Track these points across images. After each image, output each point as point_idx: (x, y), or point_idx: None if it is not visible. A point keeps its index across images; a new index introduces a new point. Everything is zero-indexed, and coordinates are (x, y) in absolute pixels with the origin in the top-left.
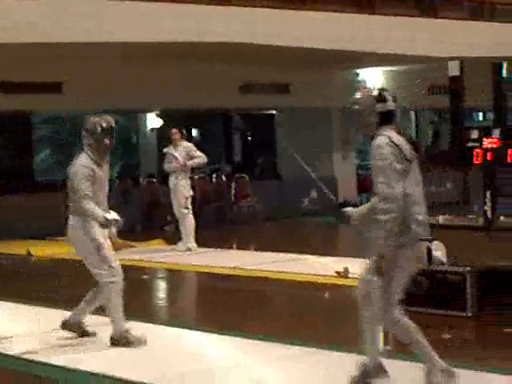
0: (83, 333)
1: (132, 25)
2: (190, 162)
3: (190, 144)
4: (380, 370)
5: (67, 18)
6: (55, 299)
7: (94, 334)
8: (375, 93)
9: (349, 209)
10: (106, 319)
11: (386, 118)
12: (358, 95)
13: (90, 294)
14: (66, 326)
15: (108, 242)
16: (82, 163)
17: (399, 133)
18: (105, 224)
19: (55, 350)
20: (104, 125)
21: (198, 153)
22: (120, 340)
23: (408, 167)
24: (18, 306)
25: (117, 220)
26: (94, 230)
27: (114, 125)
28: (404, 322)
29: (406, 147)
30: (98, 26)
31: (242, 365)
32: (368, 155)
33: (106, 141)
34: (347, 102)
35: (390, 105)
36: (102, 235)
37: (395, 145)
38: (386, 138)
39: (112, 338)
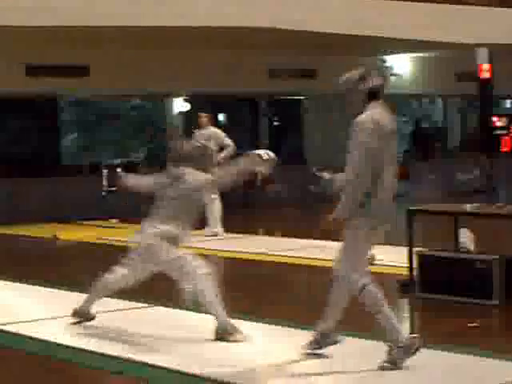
0: None
1: (161, 9)
2: (219, 158)
3: (218, 131)
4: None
5: (95, 0)
6: (80, 282)
7: None
8: (358, 72)
9: (324, 173)
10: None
11: (371, 96)
12: (345, 75)
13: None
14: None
15: None
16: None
17: (385, 109)
18: None
19: (80, 334)
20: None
21: (227, 140)
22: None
23: (385, 144)
24: (44, 289)
25: None
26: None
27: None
28: (372, 287)
29: (386, 122)
30: (127, 10)
31: (268, 351)
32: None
33: None
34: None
35: (373, 83)
36: None
37: (377, 122)
38: (368, 116)
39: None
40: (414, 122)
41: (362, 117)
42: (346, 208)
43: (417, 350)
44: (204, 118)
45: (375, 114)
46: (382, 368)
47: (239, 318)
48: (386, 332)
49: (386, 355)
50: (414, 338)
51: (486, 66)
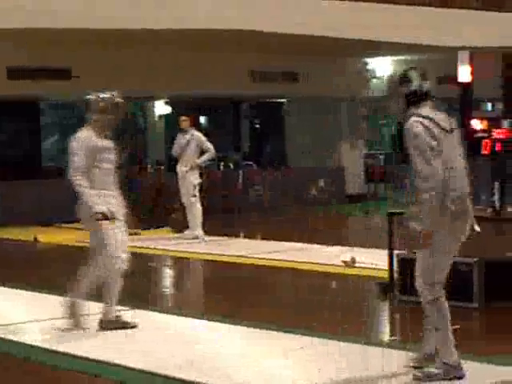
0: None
1: (142, 12)
2: (198, 161)
3: (199, 134)
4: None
5: (77, 3)
6: (60, 285)
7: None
8: (399, 75)
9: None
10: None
11: (415, 98)
12: (386, 80)
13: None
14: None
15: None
16: (82, 135)
17: (434, 107)
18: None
19: (61, 337)
20: (109, 101)
21: (207, 144)
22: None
23: (445, 140)
24: (25, 292)
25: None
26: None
27: (120, 101)
28: (440, 304)
29: (442, 119)
30: (108, 13)
31: (248, 354)
32: (374, 144)
33: (110, 116)
34: (356, 91)
35: (416, 85)
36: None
37: (429, 119)
38: (417, 116)
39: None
40: (396, 125)
41: (411, 120)
42: (428, 220)
43: (455, 377)
44: (184, 120)
45: (424, 111)
46: (414, 376)
47: (218, 321)
48: (439, 351)
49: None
50: (460, 365)
51: (466, 69)
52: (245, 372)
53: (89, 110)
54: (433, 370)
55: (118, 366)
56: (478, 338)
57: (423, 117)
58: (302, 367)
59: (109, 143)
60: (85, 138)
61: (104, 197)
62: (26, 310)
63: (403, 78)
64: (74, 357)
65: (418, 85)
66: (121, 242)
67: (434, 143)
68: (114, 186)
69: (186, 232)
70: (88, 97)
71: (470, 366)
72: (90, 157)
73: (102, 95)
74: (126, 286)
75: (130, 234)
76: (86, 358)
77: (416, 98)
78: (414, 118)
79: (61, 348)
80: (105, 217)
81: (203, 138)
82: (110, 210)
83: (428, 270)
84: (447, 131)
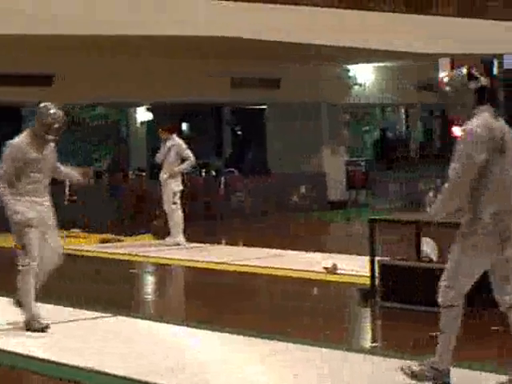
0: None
1: (123, 18)
2: (176, 169)
3: (180, 142)
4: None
5: (57, 8)
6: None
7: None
8: (465, 71)
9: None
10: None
11: (482, 96)
12: (446, 77)
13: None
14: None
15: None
16: (18, 141)
17: (495, 116)
18: None
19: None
20: (55, 126)
21: (188, 153)
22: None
23: (496, 156)
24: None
25: None
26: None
27: (62, 114)
28: (456, 313)
29: (500, 133)
30: (89, 19)
31: (229, 360)
32: (356, 150)
33: (49, 137)
34: (337, 97)
35: (483, 80)
36: (33, 219)
37: (488, 129)
38: (479, 125)
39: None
40: (379, 131)
41: (471, 124)
42: (440, 208)
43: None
44: (161, 132)
45: (486, 117)
46: (403, 370)
47: (199, 327)
48: (436, 352)
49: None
50: (449, 373)
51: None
52: (226, 378)
53: (35, 118)
54: (420, 369)
55: (98, 372)
56: (458, 343)
57: (483, 125)
58: (281, 373)
59: (40, 153)
60: (17, 145)
61: (31, 204)
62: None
63: (471, 75)
64: (49, 362)
65: (485, 80)
66: (38, 245)
67: (479, 158)
68: (44, 193)
69: (167, 239)
70: (40, 105)
71: (454, 372)
72: (19, 165)
73: (48, 106)
74: (108, 292)
75: (113, 241)
76: (58, 363)
77: (487, 95)
78: (475, 124)
79: (34, 353)
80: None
81: (183, 146)
82: (28, 217)
83: (452, 275)
84: (499, 148)
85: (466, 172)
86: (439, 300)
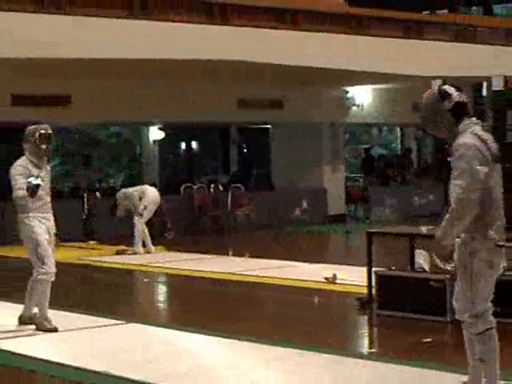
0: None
1: (136, 43)
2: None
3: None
4: None
5: (76, 33)
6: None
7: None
8: (436, 91)
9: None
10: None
11: (459, 112)
12: (422, 101)
13: (28, 289)
14: (21, 320)
15: (49, 238)
16: (18, 163)
17: (485, 128)
18: (29, 188)
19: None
20: (42, 131)
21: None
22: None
23: (493, 168)
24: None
25: (39, 184)
26: (35, 228)
27: (50, 132)
28: (490, 336)
29: (493, 144)
30: (105, 44)
31: (236, 365)
32: (354, 168)
33: (43, 146)
34: (336, 117)
35: (456, 97)
36: (44, 233)
37: (483, 142)
38: (473, 137)
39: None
40: (363, 150)
41: (465, 138)
42: (447, 234)
43: None
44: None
45: (477, 130)
46: None
47: (207, 334)
48: (473, 375)
49: None
50: None
51: None
52: (234, 382)
53: (25, 141)
54: None
55: (113, 376)
56: (451, 350)
57: (477, 137)
58: (285, 378)
59: (41, 171)
60: (21, 166)
61: (40, 219)
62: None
63: (442, 94)
64: (65, 366)
65: (458, 95)
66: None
67: (483, 171)
68: (48, 208)
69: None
70: (27, 128)
71: (443, 377)
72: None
73: (36, 127)
74: (123, 300)
75: (128, 252)
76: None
77: (462, 110)
78: (468, 137)
79: (50, 357)
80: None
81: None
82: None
83: (471, 303)
84: (494, 159)
85: (473, 188)
86: (471, 330)
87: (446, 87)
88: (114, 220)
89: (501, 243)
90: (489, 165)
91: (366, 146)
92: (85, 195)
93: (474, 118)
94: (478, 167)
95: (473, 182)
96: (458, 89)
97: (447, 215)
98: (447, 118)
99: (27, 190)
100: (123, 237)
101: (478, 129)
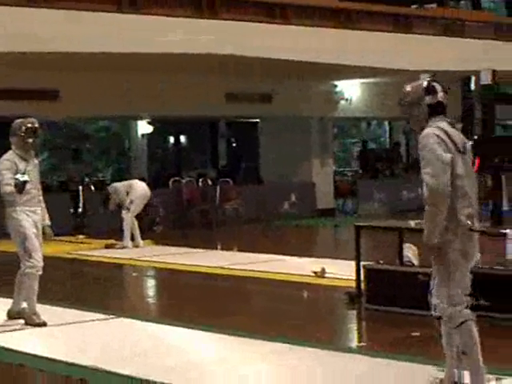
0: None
1: (125, 37)
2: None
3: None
4: None
5: (65, 28)
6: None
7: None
8: (424, 84)
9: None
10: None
11: (436, 110)
12: (407, 88)
13: (16, 283)
14: (9, 315)
15: (36, 231)
16: (5, 158)
17: (451, 124)
18: (17, 185)
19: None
20: (28, 125)
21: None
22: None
23: (459, 158)
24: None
25: (26, 181)
26: (23, 222)
27: (37, 126)
28: (467, 327)
29: (458, 138)
30: (94, 38)
31: (225, 360)
32: (343, 162)
33: (30, 140)
34: (325, 111)
35: (440, 96)
36: (31, 227)
37: (446, 134)
38: (435, 129)
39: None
40: (362, 143)
41: (427, 130)
42: (431, 233)
43: None
44: None
45: (442, 125)
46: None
47: (196, 329)
48: (450, 365)
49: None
50: None
51: None
52: (223, 377)
53: (12, 135)
54: None
55: (102, 370)
56: (438, 344)
57: (440, 129)
58: (274, 372)
59: (28, 165)
60: (8, 160)
61: (27, 213)
62: None
63: (430, 88)
64: (55, 361)
65: (443, 96)
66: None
67: (447, 157)
68: (35, 202)
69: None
70: (14, 122)
71: (429, 371)
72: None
73: (22, 121)
74: (111, 294)
75: (116, 246)
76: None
77: (440, 109)
78: (430, 129)
79: (39, 352)
80: None
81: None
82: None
83: (447, 295)
84: (460, 151)
85: (441, 172)
86: (448, 324)
87: (435, 84)
88: (106, 214)
89: (473, 228)
90: (452, 153)
91: (363, 139)
92: (80, 189)
93: (445, 116)
94: (442, 153)
95: (439, 167)
96: (444, 89)
97: (424, 213)
98: (424, 111)
99: (15, 186)
100: (114, 231)
101: (443, 124)
